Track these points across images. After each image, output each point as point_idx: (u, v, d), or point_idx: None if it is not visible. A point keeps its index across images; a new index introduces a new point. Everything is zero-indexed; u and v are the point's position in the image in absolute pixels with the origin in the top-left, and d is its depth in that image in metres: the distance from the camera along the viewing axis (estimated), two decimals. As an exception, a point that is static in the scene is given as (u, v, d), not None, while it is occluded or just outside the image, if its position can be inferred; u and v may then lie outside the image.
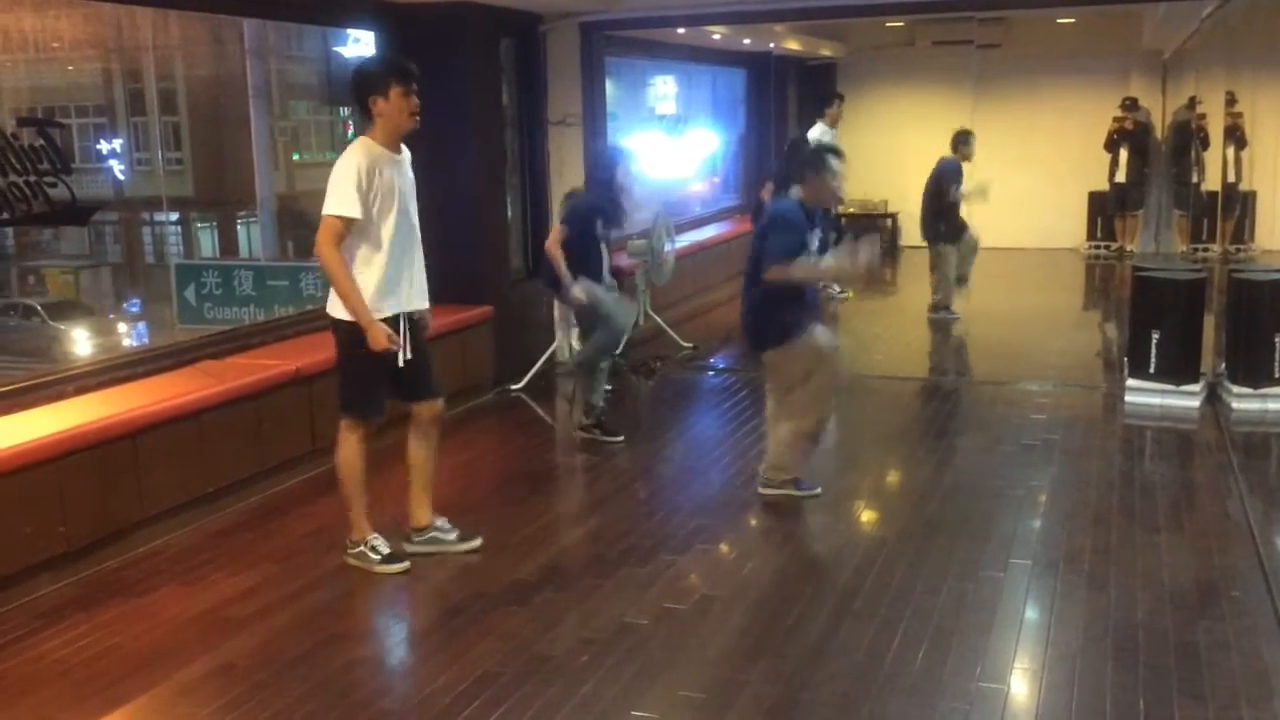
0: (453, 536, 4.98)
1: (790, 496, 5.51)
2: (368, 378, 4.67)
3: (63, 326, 16.36)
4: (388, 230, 4.54)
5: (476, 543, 4.99)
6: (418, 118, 4.60)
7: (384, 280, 4.56)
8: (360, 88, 4.56)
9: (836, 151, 5.41)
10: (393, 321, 4.58)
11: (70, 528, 4.72)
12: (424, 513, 4.97)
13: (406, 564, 4.80)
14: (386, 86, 4.50)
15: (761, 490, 5.58)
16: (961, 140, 10.08)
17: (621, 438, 6.61)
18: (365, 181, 4.44)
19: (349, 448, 4.76)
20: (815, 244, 5.31)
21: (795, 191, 5.36)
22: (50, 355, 14.74)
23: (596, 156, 6.93)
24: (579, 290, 6.40)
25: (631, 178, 6.63)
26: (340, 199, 4.42)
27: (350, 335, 4.55)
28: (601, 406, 6.68)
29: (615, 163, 6.57)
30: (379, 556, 4.78)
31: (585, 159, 6.85)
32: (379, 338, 4.48)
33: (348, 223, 4.44)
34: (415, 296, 4.72)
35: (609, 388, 6.95)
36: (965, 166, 10.05)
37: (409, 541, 4.94)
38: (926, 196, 10.10)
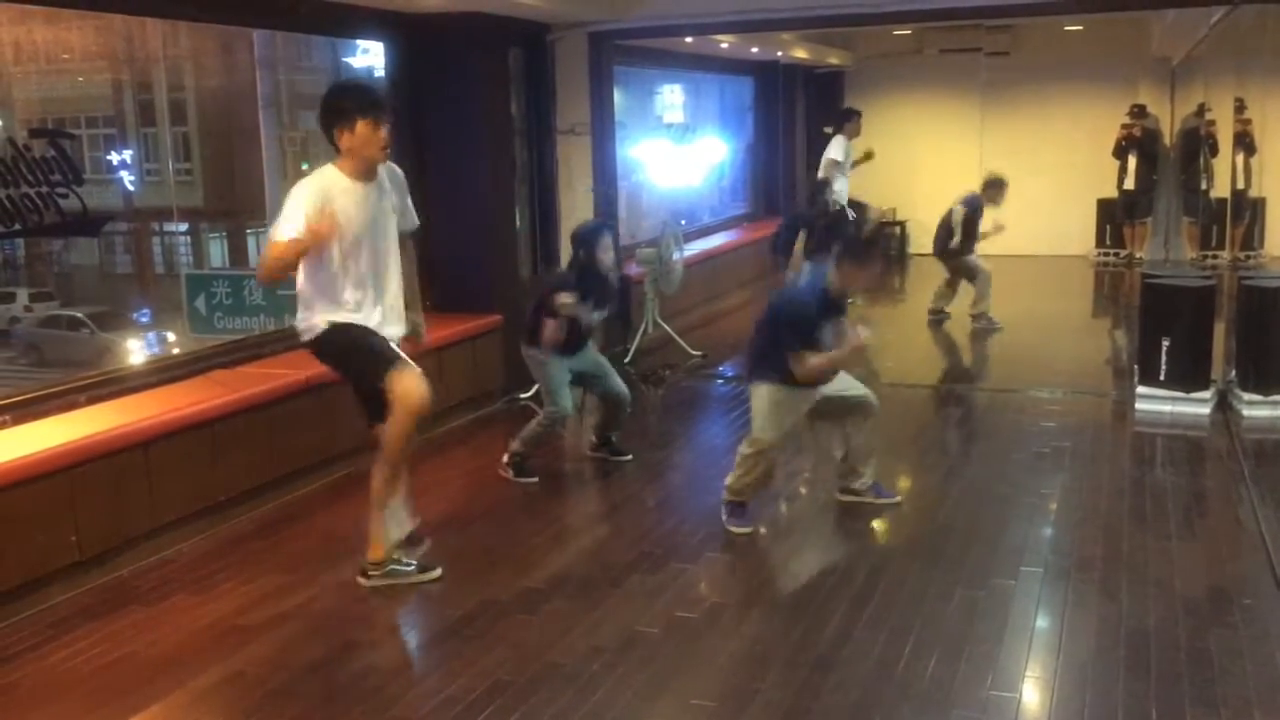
0: (412, 567, 4.78)
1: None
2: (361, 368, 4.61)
3: (113, 336, 16.27)
4: (349, 261, 4.45)
5: (436, 573, 4.78)
6: (388, 150, 4.49)
7: (347, 309, 4.50)
8: (324, 119, 4.43)
9: (878, 244, 5.34)
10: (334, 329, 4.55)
11: (82, 537, 4.74)
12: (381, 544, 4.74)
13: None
14: (351, 121, 4.37)
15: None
16: (993, 186, 10.14)
17: (629, 456, 6.47)
18: (314, 208, 4.31)
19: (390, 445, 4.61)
20: (829, 334, 5.18)
21: (829, 272, 5.19)
22: (105, 367, 14.55)
23: (577, 230, 6.37)
24: (541, 354, 6.06)
25: (610, 253, 6.24)
26: (284, 225, 4.32)
27: (333, 337, 4.50)
28: (520, 453, 6.20)
29: (590, 241, 6.15)
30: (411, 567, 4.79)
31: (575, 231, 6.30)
32: (303, 238, 4.28)
33: (294, 249, 4.32)
34: (385, 325, 4.58)
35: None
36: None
37: (364, 576, 4.73)
38: (959, 225, 10.10)
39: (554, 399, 6.09)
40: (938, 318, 10.50)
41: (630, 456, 6.52)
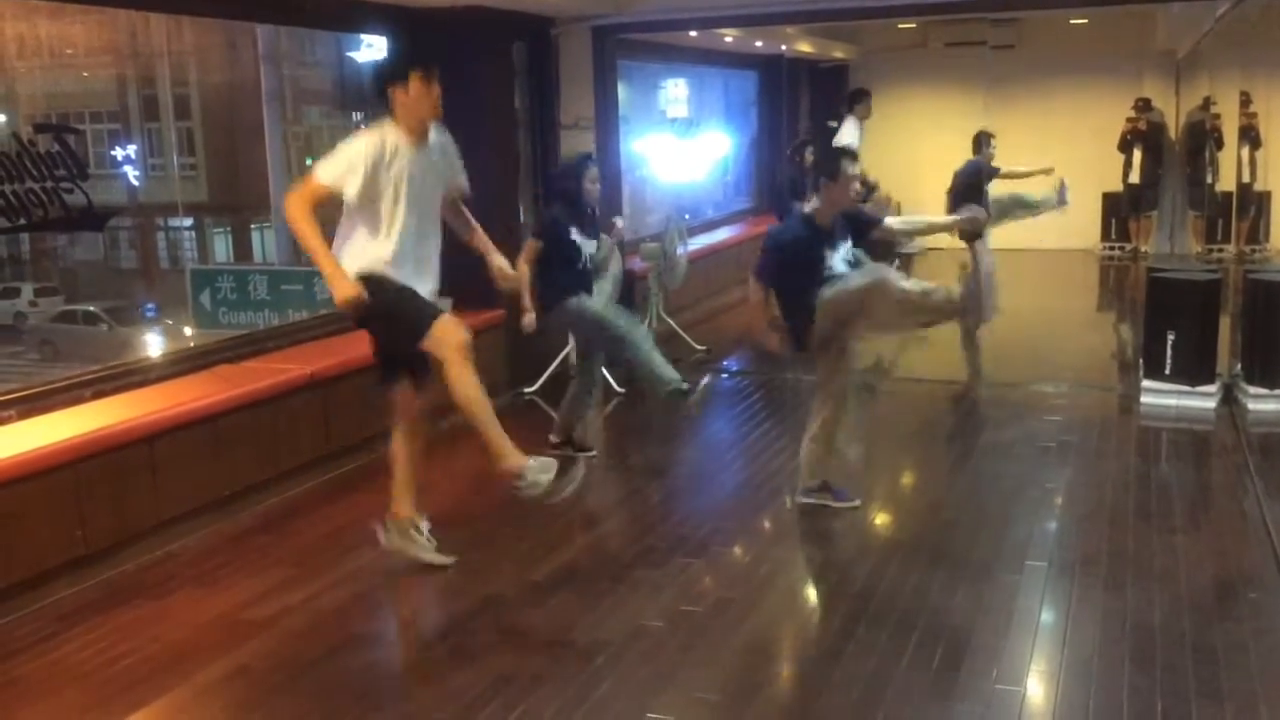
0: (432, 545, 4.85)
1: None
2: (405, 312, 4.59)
3: (130, 330, 16.22)
4: (396, 220, 4.47)
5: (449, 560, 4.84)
6: (440, 108, 4.58)
7: (383, 262, 4.49)
8: (381, 78, 4.55)
9: (849, 154, 5.21)
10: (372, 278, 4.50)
11: (88, 531, 4.75)
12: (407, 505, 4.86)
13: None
14: (407, 76, 4.46)
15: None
16: (984, 142, 10.15)
17: (594, 451, 6.44)
18: (371, 165, 4.36)
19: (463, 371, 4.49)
20: (838, 259, 5.08)
21: (812, 203, 5.13)
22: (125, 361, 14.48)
23: (561, 165, 6.49)
24: (529, 319, 6.10)
25: (597, 184, 6.28)
26: (333, 168, 4.37)
27: (373, 291, 4.42)
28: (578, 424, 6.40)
29: (580, 171, 6.21)
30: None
31: (546, 169, 6.40)
32: (344, 287, 4.32)
33: (327, 194, 4.35)
34: (419, 281, 4.60)
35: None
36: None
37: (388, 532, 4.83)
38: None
39: (610, 329, 6.08)
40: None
41: (594, 452, 6.42)
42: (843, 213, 5.14)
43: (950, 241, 14.25)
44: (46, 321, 17.31)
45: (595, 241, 6.26)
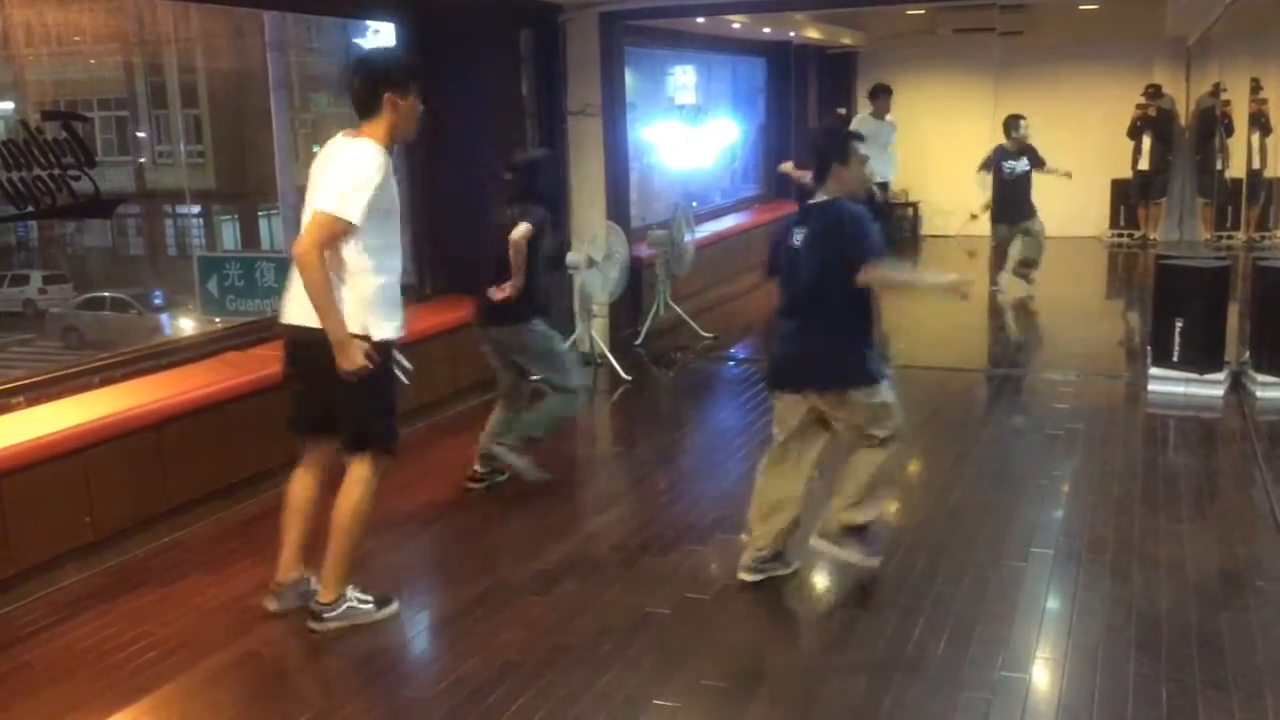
0: (369, 605, 4.27)
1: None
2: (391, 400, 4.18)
3: (160, 317, 16.15)
4: (394, 245, 4.08)
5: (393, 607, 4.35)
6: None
7: (388, 299, 4.04)
8: (382, 80, 3.99)
9: (858, 136, 4.78)
10: (386, 346, 4.05)
11: (96, 518, 4.77)
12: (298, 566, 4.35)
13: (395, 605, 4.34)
14: (409, 84, 4.05)
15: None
16: (1011, 125, 10.25)
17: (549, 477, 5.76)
18: (379, 189, 3.90)
19: (372, 491, 4.15)
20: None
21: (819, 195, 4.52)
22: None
23: (540, 158, 5.90)
24: (499, 290, 5.38)
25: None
26: (348, 200, 3.83)
27: (384, 353, 4.02)
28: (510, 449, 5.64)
29: (554, 168, 5.73)
30: (370, 603, 4.25)
31: (530, 167, 5.57)
32: (355, 356, 3.87)
33: (346, 229, 3.85)
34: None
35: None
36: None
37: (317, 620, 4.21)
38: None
39: (562, 370, 5.59)
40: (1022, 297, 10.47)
41: (506, 477, 5.73)
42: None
43: (958, 229, 14.24)
44: (72, 308, 17.28)
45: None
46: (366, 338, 3.94)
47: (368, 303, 3.97)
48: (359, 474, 4.13)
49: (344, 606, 4.15)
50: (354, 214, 3.84)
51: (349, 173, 3.89)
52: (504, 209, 5.47)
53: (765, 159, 14.12)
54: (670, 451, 6.54)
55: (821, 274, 4.25)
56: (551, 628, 4.17)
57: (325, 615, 4.13)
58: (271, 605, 4.28)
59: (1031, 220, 10.34)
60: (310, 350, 3.99)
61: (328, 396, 4.05)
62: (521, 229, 5.30)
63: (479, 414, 6.51)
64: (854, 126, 10.81)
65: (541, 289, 5.57)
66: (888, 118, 11.14)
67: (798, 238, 4.36)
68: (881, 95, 11.13)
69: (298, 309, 4.00)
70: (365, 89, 4.01)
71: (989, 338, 9.82)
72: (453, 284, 7.52)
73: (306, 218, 3.92)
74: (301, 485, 4.31)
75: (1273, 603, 4.26)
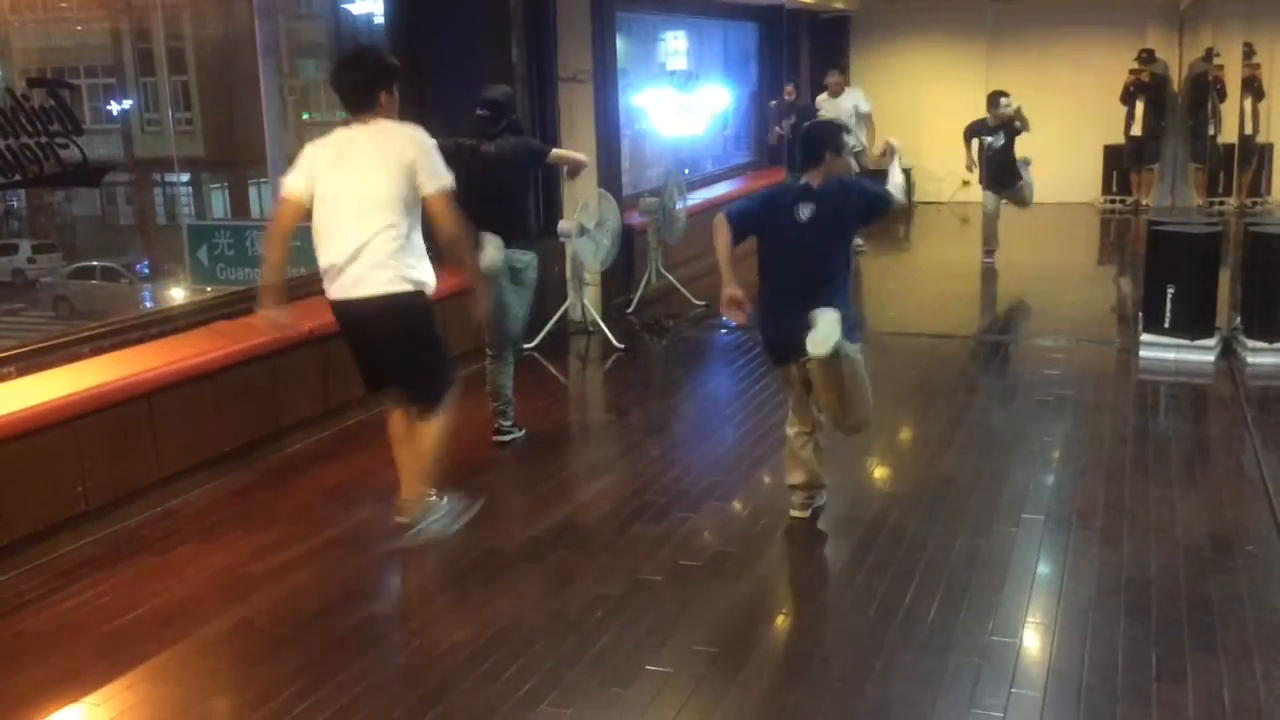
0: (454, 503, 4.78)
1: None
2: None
3: (152, 285, 16.06)
4: None
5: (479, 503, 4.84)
6: None
7: None
8: (385, 75, 4.38)
9: (846, 129, 5.06)
10: None
11: (88, 487, 4.77)
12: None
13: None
14: (394, 81, 4.44)
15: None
16: (991, 102, 10.29)
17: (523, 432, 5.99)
18: None
19: (449, 420, 4.64)
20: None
21: (808, 177, 4.59)
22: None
23: (508, 96, 5.96)
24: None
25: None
26: (448, 172, 4.39)
27: (431, 306, 4.50)
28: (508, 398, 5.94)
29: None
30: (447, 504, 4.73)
31: (507, 101, 5.81)
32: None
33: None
34: None
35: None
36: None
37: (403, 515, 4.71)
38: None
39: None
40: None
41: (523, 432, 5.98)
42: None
43: (950, 196, 14.23)
44: (62, 278, 17.19)
45: None
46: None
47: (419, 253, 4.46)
48: (435, 418, 4.56)
49: (429, 502, 4.64)
50: (450, 178, 4.38)
51: (432, 150, 4.36)
52: (485, 141, 5.67)
53: (757, 126, 14.07)
54: (662, 419, 6.54)
55: (838, 245, 4.54)
56: (544, 595, 4.19)
57: (417, 514, 4.60)
58: (402, 519, 4.67)
59: (1018, 186, 10.36)
60: (373, 321, 4.39)
61: (391, 359, 4.54)
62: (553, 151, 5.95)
63: (467, 385, 6.51)
64: (818, 106, 10.93)
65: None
66: (848, 90, 11.42)
67: (804, 213, 4.45)
68: (833, 77, 11.60)
69: (371, 284, 4.32)
70: (372, 84, 4.36)
71: (980, 304, 9.83)
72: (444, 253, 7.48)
73: (385, 192, 4.26)
74: (397, 420, 4.71)
75: (1261, 567, 4.29)
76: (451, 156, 4.75)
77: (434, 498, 4.67)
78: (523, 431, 5.95)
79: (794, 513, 4.81)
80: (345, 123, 4.45)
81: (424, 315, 4.47)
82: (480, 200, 5.35)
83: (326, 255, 4.36)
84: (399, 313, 4.37)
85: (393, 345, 4.48)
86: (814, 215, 4.44)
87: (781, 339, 4.61)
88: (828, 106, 10.98)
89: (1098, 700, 3.41)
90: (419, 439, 4.60)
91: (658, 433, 6.29)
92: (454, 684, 3.59)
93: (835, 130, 4.80)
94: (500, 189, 5.62)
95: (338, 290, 4.39)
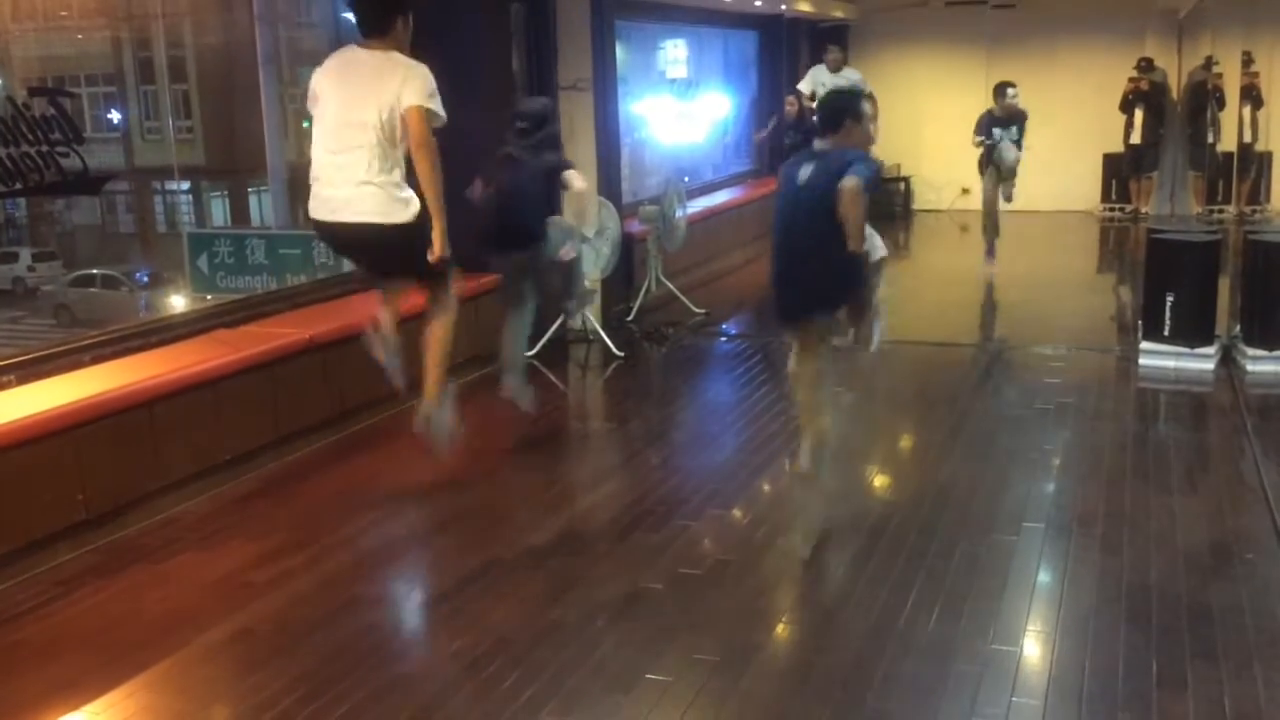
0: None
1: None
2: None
3: (153, 293, 16.06)
4: None
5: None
6: None
7: None
8: (395, 6, 4.60)
9: (869, 96, 4.95)
10: None
11: (88, 495, 4.76)
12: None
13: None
14: (409, 10, 4.65)
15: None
16: (998, 93, 10.25)
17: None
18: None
19: (455, 306, 4.99)
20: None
21: (824, 144, 4.56)
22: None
23: (543, 104, 6.57)
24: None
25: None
26: (434, 96, 4.48)
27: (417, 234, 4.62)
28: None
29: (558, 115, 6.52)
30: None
31: (545, 112, 6.33)
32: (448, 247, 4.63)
33: (437, 126, 4.50)
34: None
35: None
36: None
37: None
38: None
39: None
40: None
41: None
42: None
43: (950, 204, 14.26)
44: (63, 286, 17.17)
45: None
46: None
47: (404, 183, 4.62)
48: (440, 299, 4.86)
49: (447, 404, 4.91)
50: (443, 114, 4.50)
51: (429, 80, 4.47)
52: (521, 151, 6.07)
53: (757, 134, 14.08)
54: (662, 427, 6.54)
55: (822, 211, 4.27)
56: (544, 603, 4.18)
57: (434, 413, 4.87)
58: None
59: (1013, 178, 10.38)
60: (359, 241, 4.67)
61: (384, 263, 4.84)
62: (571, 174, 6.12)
63: (466, 393, 6.53)
64: (811, 78, 10.94)
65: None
66: (846, 69, 11.29)
67: (803, 175, 4.38)
68: (833, 53, 11.43)
69: (356, 210, 4.53)
70: (387, 13, 4.57)
71: (980, 312, 9.84)
72: (453, 258, 7.48)
73: (373, 117, 4.43)
74: (388, 316, 4.92)
75: (1262, 574, 4.29)
76: (498, 163, 5.81)
77: (440, 407, 4.90)
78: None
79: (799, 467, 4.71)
80: (358, 43, 4.65)
81: (408, 237, 4.61)
82: (506, 206, 5.95)
83: (314, 173, 4.61)
84: (382, 238, 4.60)
85: (387, 259, 4.80)
86: (809, 177, 4.36)
87: (782, 303, 4.62)
88: (827, 80, 10.91)
89: (1098, 709, 3.41)
90: (429, 343, 4.86)
91: (658, 441, 6.29)
92: (454, 692, 3.59)
93: (856, 97, 4.71)
94: (521, 197, 5.99)
95: (323, 211, 4.63)
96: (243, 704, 3.58)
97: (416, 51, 4.68)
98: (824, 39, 14.61)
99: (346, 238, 4.77)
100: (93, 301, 16.36)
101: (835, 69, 11.20)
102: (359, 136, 4.48)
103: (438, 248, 4.57)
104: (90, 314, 15.48)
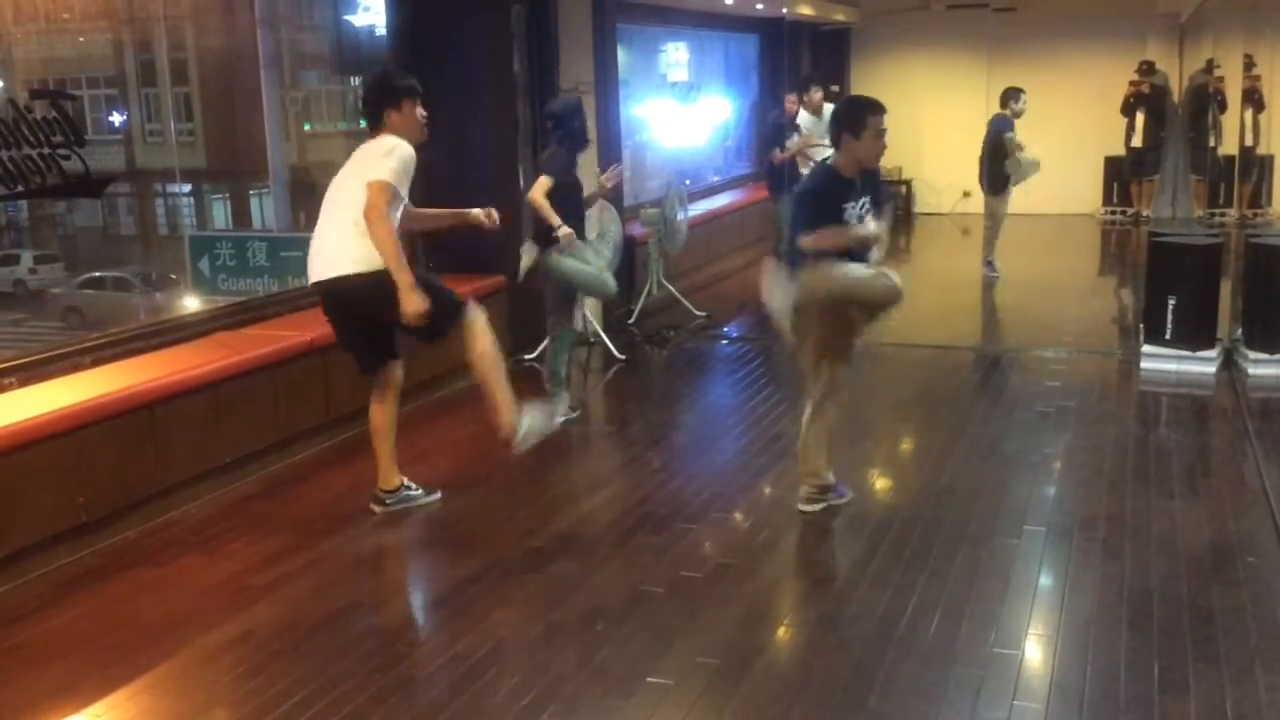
0: (419, 493, 5.19)
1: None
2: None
3: (163, 295, 16.09)
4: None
5: (437, 495, 5.23)
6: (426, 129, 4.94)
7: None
8: (387, 96, 4.83)
9: (876, 107, 4.78)
10: None
11: (89, 498, 4.76)
12: (393, 475, 5.13)
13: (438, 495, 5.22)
14: (400, 100, 4.81)
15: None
16: (1011, 97, 10.18)
17: (578, 413, 6.57)
18: (408, 169, 4.71)
19: (485, 330, 4.98)
20: (857, 212, 4.68)
21: (831, 158, 4.71)
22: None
23: (565, 101, 6.78)
24: (566, 230, 6.14)
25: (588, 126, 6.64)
26: (393, 170, 4.62)
27: (384, 288, 4.63)
28: (563, 375, 6.52)
29: (583, 112, 6.56)
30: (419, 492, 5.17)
31: (553, 107, 6.56)
32: (419, 301, 4.61)
33: (394, 192, 4.62)
34: None
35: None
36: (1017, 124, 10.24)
37: (380, 505, 5.10)
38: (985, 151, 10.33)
39: (588, 282, 6.49)
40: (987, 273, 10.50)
41: (578, 413, 6.58)
42: (865, 171, 4.79)
43: (951, 207, 14.25)
44: (73, 288, 17.21)
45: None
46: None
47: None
48: (467, 337, 4.86)
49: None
50: (395, 180, 4.62)
51: (388, 153, 4.67)
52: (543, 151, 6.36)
53: (758, 137, 14.08)
54: (663, 430, 6.54)
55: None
56: (545, 606, 4.18)
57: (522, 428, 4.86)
58: (376, 509, 5.07)
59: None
60: (341, 297, 4.75)
61: (376, 329, 4.90)
62: (539, 185, 6.16)
63: (468, 396, 6.51)
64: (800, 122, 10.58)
65: (571, 208, 6.31)
66: (826, 107, 10.97)
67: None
68: (816, 94, 10.66)
69: (323, 263, 4.73)
70: (372, 109, 4.86)
71: (981, 315, 9.83)
72: (447, 262, 7.51)
73: (345, 197, 4.68)
74: (380, 411, 5.04)
75: (1263, 578, 4.29)
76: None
77: (520, 418, 4.89)
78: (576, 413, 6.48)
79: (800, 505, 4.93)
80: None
81: (372, 291, 4.65)
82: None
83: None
84: (348, 295, 4.72)
85: (362, 321, 4.88)
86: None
87: None
88: (809, 125, 10.57)
89: (1100, 712, 3.41)
90: (480, 377, 4.91)
91: (659, 444, 6.29)
92: (454, 695, 3.58)
93: (858, 108, 4.80)
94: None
95: (311, 275, 4.83)
96: (243, 707, 3.58)
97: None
98: (826, 43, 14.62)
99: (325, 302, 4.90)
100: (103, 304, 16.40)
101: (816, 111, 10.28)
102: (335, 212, 4.75)
103: (405, 304, 4.59)
104: (101, 316, 15.53)
